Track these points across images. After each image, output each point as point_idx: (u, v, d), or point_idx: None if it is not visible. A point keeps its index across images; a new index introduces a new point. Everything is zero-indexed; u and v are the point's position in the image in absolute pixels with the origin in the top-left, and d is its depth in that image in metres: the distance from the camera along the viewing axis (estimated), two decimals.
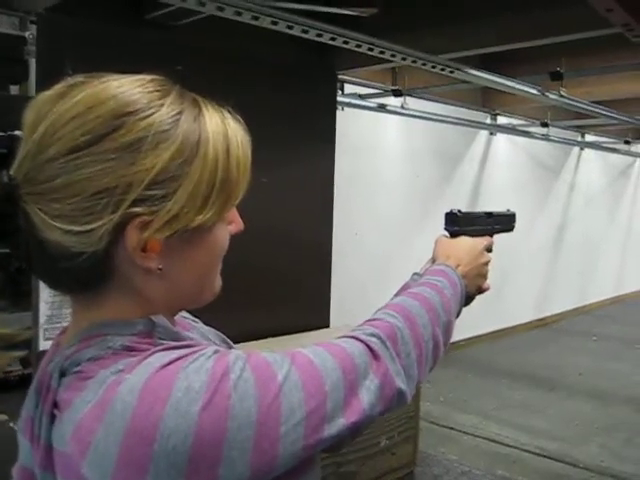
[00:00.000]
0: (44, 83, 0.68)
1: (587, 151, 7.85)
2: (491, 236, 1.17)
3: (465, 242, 1.10)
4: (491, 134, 6.16)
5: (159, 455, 0.55)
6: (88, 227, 0.61)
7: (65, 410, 0.61)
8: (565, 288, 7.83)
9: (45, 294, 2.05)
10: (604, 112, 4.65)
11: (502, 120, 6.02)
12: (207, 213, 0.66)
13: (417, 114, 4.83)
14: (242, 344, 2.76)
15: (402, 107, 4.61)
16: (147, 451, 0.55)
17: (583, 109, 4.38)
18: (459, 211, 1.15)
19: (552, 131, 6.16)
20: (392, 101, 4.53)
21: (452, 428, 4.20)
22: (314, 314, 3.36)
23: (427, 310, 0.86)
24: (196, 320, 0.89)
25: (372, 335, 0.76)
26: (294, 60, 3.23)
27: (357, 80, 4.26)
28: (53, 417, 0.63)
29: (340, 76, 3.88)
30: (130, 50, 2.37)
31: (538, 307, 7.35)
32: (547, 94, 3.83)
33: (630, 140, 7.12)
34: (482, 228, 1.17)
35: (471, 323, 5.47)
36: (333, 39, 2.64)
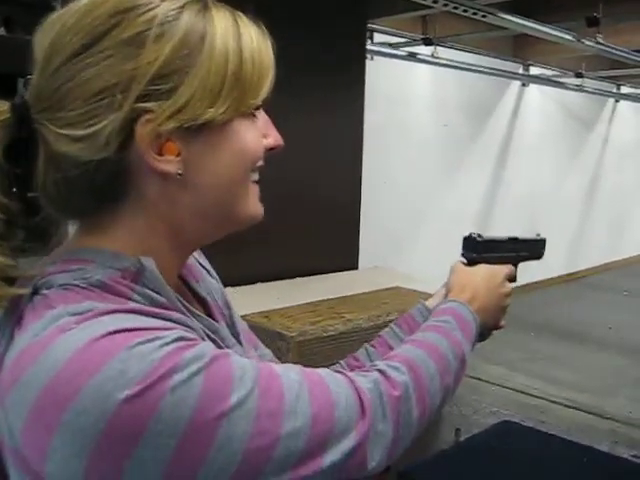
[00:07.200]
0: None
1: (622, 103, 7.65)
2: (515, 264, 1.04)
3: (483, 271, 0.99)
4: (523, 85, 6.03)
5: (66, 426, 0.52)
6: (92, 130, 0.59)
7: (21, 332, 0.58)
8: (596, 243, 7.74)
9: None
10: None
11: (535, 71, 5.88)
12: (220, 107, 0.62)
13: (448, 63, 4.74)
14: (270, 283, 2.81)
15: (432, 56, 4.53)
16: (57, 416, 0.52)
17: (620, 57, 4.25)
18: (479, 235, 1.02)
19: (586, 82, 6.00)
20: (422, 50, 4.44)
21: (479, 379, 4.21)
22: (342, 257, 3.39)
23: (435, 360, 0.78)
24: (210, 269, 0.85)
25: (369, 389, 0.67)
26: (323, 6, 3.17)
27: (387, 29, 4.18)
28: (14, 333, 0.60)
29: (369, 25, 3.81)
30: None
31: (569, 261, 7.28)
32: (583, 40, 3.72)
33: None
34: (505, 255, 1.04)
35: None
36: None
